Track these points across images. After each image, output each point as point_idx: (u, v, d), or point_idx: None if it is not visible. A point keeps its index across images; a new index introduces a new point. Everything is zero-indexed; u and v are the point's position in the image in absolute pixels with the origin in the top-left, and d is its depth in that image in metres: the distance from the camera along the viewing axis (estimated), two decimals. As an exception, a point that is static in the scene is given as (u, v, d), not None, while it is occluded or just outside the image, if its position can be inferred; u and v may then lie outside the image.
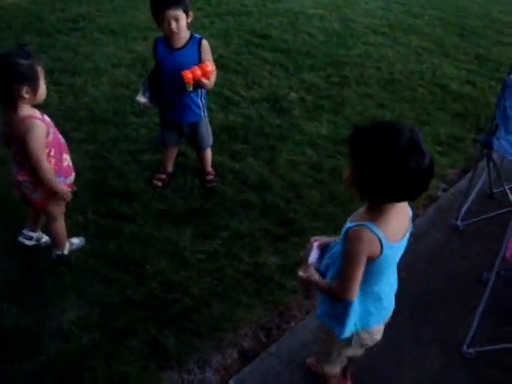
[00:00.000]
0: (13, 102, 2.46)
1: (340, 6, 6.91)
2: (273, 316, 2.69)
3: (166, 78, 3.14)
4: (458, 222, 3.33)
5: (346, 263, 1.75)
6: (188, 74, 3.03)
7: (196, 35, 3.16)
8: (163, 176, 3.51)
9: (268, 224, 3.23)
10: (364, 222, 1.69)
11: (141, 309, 2.65)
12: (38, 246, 2.96)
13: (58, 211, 2.80)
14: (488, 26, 6.68)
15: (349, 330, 1.90)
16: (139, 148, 3.82)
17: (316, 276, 1.88)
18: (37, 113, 2.54)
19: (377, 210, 1.71)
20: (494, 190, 3.56)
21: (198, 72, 3.05)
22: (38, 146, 2.50)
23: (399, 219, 1.76)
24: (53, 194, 2.65)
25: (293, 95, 4.64)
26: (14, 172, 2.66)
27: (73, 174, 2.78)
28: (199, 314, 2.64)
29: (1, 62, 2.44)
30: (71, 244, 2.93)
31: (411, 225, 1.83)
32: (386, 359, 2.48)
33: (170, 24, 2.99)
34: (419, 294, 2.84)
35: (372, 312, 1.90)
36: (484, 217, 3.32)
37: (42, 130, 2.51)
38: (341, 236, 1.80)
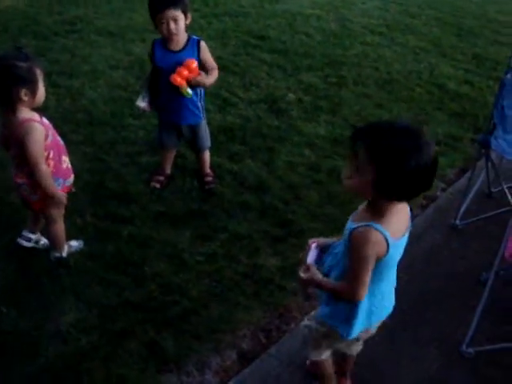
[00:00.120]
0: (11, 105, 2.46)
1: (337, 6, 6.91)
2: (272, 317, 2.69)
3: (164, 81, 3.09)
4: (457, 222, 3.33)
5: (354, 265, 1.74)
6: (176, 78, 3.01)
7: (194, 37, 3.15)
8: (161, 178, 3.50)
9: (266, 225, 3.22)
10: (369, 223, 1.68)
11: (139, 311, 2.64)
12: (36, 249, 2.96)
13: (58, 213, 2.79)
14: (485, 26, 6.69)
15: (357, 330, 1.91)
16: (137, 150, 3.82)
17: (319, 275, 1.87)
18: (36, 116, 2.53)
19: (379, 208, 1.70)
20: (493, 190, 3.56)
21: (185, 72, 3.03)
22: (37, 150, 2.50)
23: (400, 217, 1.76)
24: (50, 197, 2.65)
25: (291, 96, 4.64)
26: (13, 174, 2.66)
27: (72, 176, 2.78)
28: (198, 316, 2.64)
29: (-1, 65, 2.44)
30: (70, 246, 2.92)
31: (410, 223, 1.83)
32: (386, 359, 2.48)
33: (168, 25, 2.97)
34: (418, 293, 2.83)
35: (373, 311, 1.90)
36: (483, 216, 3.32)
37: (41, 133, 2.51)
38: (344, 237, 1.79)
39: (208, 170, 3.56)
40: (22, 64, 2.42)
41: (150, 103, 3.24)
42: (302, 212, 3.33)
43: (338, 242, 1.93)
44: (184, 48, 3.11)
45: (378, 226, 1.67)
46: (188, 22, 3.08)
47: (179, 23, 3.00)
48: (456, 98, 4.85)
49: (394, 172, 1.61)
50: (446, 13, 7.05)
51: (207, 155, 3.54)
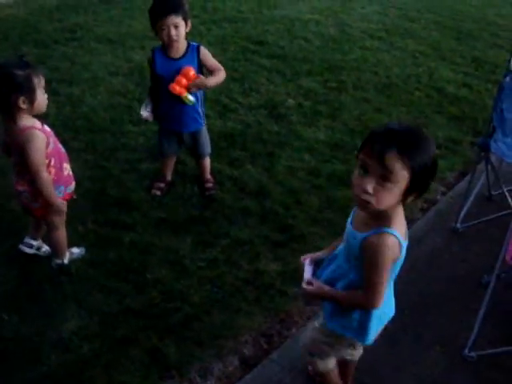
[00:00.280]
0: (11, 113, 2.47)
1: (336, 11, 6.93)
2: (274, 323, 2.68)
3: (165, 89, 3.08)
4: (458, 225, 3.33)
5: (371, 274, 1.72)
6: (175, 87, 3.02)
7: (193, 43, 3.16)
8: (162, 185, 3.50)
9: (267, 231, 3.22)
10: (382, 229, 1.68)
11: (141, 318, 2.64)
12: (37, 255, 2.96)
13: (59, 220, 2.80)
14: (484, 29, 6.70)
15: (372, 335, 1.92)
16: (137, 157, 3.82)
17: (326, 287, 1.87)
18: (37, 123, 2.54)
19: (386, 212, 1.68)
20: (493, 193, 3.56)
21: (184, 81, 3.04)
22: (38, 158, 2.51)
23: (402, 219, 1.77)
24: (50, 205, 2.65)
25: (290, 101, 4.65)
26: (14, 182, 2.67)
27: (73, 183, 2.79)
28: (200, 322, 2.64)
29: (-2, 73, 2.46)
30: (71, 253, 2.93)
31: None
32: (387, 363, 2.47)
33: (169, 31, 2.98)
34: (419, 296, 2.83)
35: (385, 312, 1.92)
36: (483, 219, 3.32)
37: (42, 140, 2.52)
38: (351, 248, 1.78)
39: (208, 176, 3.56)
40: (20, 72, 2.43)
41: (153, 111, 3.25)
42: (303, 217, 3.34)
43: (333, 255, 1.93)
44: (184, 55, 3.12)
45: (392, 230, 1.67)
46: (188, 29, 3.09)
47: (180, 30, 3.01)
48: (455, 102, 4.85)
49: (429, 175, 1.63)
50: (445, 16, 7.07)
51: (208, 161, 3.54)
